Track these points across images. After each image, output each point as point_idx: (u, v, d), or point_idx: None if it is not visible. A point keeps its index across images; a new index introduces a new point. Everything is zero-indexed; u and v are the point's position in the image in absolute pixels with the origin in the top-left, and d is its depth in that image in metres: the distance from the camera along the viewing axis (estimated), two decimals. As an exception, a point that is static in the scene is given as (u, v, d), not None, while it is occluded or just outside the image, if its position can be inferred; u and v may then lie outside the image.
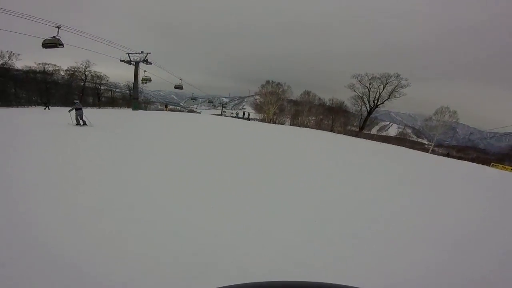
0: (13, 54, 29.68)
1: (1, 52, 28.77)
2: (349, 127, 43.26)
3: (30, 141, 7.63)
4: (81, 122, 12.24)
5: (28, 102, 32.63)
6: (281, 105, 48.60)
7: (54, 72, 35.73)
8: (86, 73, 37.29)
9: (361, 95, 41.14)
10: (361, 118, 42.61)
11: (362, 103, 41.48)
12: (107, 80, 41.48)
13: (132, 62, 32.98)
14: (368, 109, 41.50)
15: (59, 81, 36.51)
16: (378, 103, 40.47)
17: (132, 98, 37.54)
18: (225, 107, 66.13)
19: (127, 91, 48.40)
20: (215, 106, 79.14)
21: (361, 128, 41.37)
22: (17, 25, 24.12)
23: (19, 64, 32.39)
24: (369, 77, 39.99)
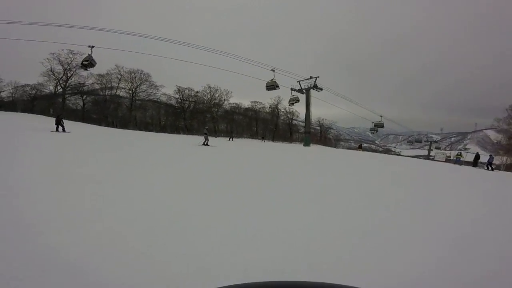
0: (228, 92, 37.72)
1: (221, 91, 37.41)
2: None
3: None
4: (206, 143, 16.18)
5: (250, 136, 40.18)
6: None
7: (260, 109, 42.21)
8: (279, 108, 40.38)
9: None
10: None
11: None
12: (298, 116, 42.84)
13: (303, 90, 30.14)
14: None
15: (264, 117, 42.65)
16: None
17: (304, 132, 33.39)
18: (438, 147, 47.76)
19: (318, 127, 47.87)
20: (412, 143, 59.76)
21: None
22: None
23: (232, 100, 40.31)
24: None
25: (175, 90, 36.03)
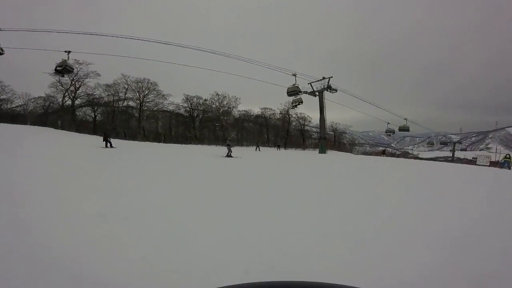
0: (237, 98, 36.64)
1: (229, 98, 36.39)
2: None
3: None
4: (229, 154, 15.67)
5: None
6: None
7: (271, 116, 41.01)
8: (290, 114, 38.75)
9: None
10: None
11: None
12: (310, 121, 41.34)
13: (316, 93, 27.47)
14: None
15: (274, 124, 41.35)
16: None
17: (319, 138, 30.36)
18: (463, 148, 44.64)
19: (331, 132, 46.21)
20: (432, 145, 57.37)
21: None
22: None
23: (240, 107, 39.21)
24: None
25: (183, 99, 35.47)
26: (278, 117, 40.47)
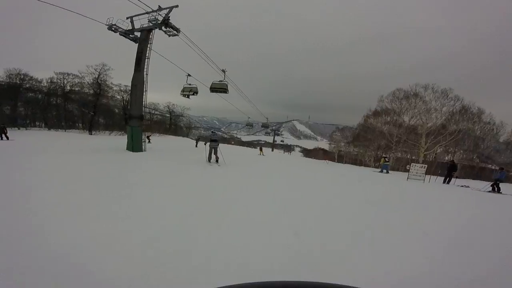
0: None
1: None
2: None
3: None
4: (214, 158, 8.78)
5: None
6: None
7: (73, 87, 26.86)
8: (99, 80, 26.39)
9: None
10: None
11: None
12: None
13: (132, 34, 12.93)
14: None
15: (81, 97, 27.48)
16: None
17: (129, 116, 13.13)
18: (278, 133, 53.27)
19: (167, 114, 39.50)
20: (251, 127, 68.18)
21: None
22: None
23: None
24: None
25: None
26: (88, 89, 27.47)
